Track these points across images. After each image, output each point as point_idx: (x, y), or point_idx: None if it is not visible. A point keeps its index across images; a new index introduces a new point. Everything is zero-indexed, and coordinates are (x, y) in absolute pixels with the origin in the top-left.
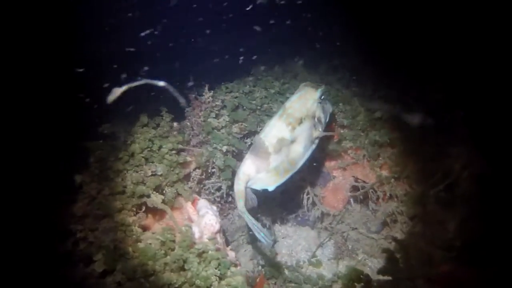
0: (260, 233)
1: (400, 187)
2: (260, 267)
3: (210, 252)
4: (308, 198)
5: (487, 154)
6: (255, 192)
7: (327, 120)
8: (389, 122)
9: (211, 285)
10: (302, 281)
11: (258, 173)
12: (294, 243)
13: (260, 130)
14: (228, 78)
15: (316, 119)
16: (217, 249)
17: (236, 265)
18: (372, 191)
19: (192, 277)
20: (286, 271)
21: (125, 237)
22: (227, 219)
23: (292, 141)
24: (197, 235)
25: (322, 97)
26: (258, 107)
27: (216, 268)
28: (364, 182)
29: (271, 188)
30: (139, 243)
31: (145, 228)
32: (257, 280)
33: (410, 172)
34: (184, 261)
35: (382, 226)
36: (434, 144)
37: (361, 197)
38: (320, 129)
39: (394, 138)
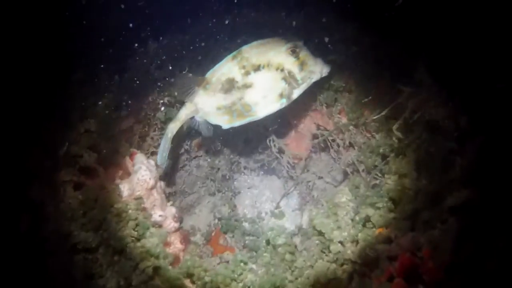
0: (163, 153)
1: (361, 135)
2: (216, 221)
3: (129, 211)
4: (273, 146)
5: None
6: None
7: (310, 81)
8: (345, 66)
9: (126, 246)
10: (261, 234)
11: (206, 106)
12: (259, 193)
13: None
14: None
15: (286, 72)
16: (142, 209)
17: (161, 225)
18: (331, 139)
19: (109, 238)
20: (246, 224)
21: (50, 199)
22: (183, 170)
23: (246, 86)
24: (126, 193)
25: (296, 52)
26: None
27: (133, 229)
28: (325, 129)
29: (224, 126)
30: (61, 203)
31: (78, 188)
32: (212, 234)
33: (366, 119)
34: (101, 221)
35: (344, 176)
36: (390, 90)
37: (322, 145)
38: (295, 89)
39: (350, 82)
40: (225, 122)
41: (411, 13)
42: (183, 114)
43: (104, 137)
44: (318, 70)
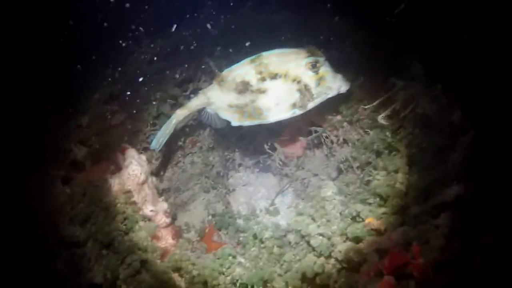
0: (160, 138)
1: (355, 131)
2: (210, 217)
3: (118, 205)
4: (267, 143)
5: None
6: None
7: (325, 96)
8: (337, 61)
9: (114, 240)
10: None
11: (219, 101)
12: (254, 190)
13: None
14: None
15: (303, 85)
16: (131, 202)
17: (150, 219)
18: (325, 136)
19: (97, 232)
20: (240, 221)
21: (38, 192)
22: (177, 167)
23: (260, 91)
24: (117, 187)
25: (316, 67)
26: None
27: (122, 223)
28: (320, 126)
29: (234, 123)
30: (49, 197)
31: (67, 182)
32: (206, 230)
33: (360, 116)
34: (89, 215)
35: (338, 173)
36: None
37: (315, 141)
38: (309, 102)
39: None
40: (235, 120)
41: (408, 10)
42: (194, 104)
43: (95, 132)
44: (335, 87)
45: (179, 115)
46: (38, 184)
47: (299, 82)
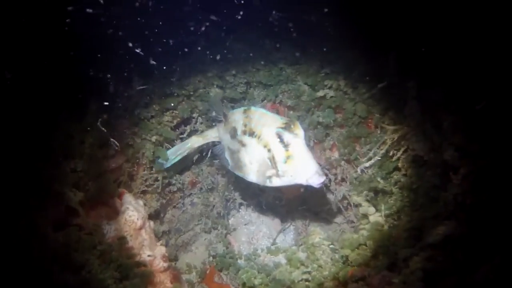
0: (171, 155)
1: (353, 169)
2: (211, 258)
3: (113, 253)
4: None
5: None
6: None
7: (292, 179)
8: (335, 101)
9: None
10: (257, 270)
11: (223, 140)
12: (256, 229)
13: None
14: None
15: (271, 155)
16: (125, 249)
17: (145, 265)
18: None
19: (90, 280)
20: (241, 261)
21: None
22: (177, 208)
23: (241, 143)
24: (113, 233)
25: (283, 142)
26: (191, 93)
27: (115, 271)
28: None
29: (229, 167)
30: (43, 244)
31: (61, 228)
32: (207, 272)
33: (358, 154)
34: (82, 263)
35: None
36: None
37: None
38: (276, 175)
39: (340, 118)
40: (229, 164)
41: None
42: (209, 134)
43: (91, 177)
44: (303, 175)
45: (194, 140)
46: (30, 230)
47: (269, 150)
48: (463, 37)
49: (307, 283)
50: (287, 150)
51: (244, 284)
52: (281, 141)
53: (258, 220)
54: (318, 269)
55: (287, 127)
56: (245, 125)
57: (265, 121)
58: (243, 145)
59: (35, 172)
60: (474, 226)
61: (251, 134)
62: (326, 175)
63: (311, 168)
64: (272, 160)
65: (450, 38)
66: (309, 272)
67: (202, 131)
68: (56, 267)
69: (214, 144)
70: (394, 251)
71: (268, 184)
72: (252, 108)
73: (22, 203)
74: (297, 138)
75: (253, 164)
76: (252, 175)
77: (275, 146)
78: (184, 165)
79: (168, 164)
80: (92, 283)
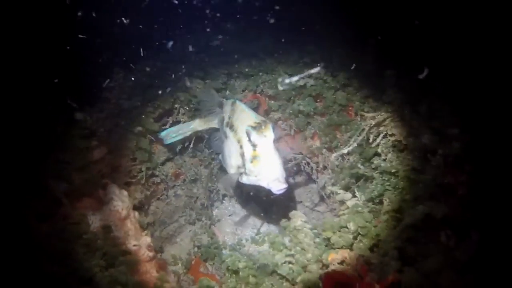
0: (173, 134)
1: (334, 157)
2: (196, 249)
3: (98, 241)
4: None
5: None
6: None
7: (256, 180)
8: (314, 89)
9: (94, 275)
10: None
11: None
12: (240, 220)
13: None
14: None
15: (242, 151)
16: (111, 237)
17: (131, 253)
18: (305, 163)
19: (77, 269)
20: (226, 251)
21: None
22: (161, 200)
23: (225, 134)
24: (98, 223)
25: (250, 141)
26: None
27: (101, 259)
28: (300, 153)
29: (219, 156)
30: (27, 235)
31: (45, 218)
32: (192, 262)
33: (339, 142)
34: (68, 252)
35: (320, 199)
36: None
37: (295, 168)
38: (244, 172)
39: (321, 107)
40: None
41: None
42: (211, 120)
43: (76, 168)
44: (264, 178)
45: (197, 123)
46: (15, 221)
47: (241, 146)
48: (439, 25)
49: (290, 265)
50: (254, 150)
51: (228, 268)
52: (249, 140)
53: (242, 211)
54: (301, 251)
55: (258, 127)
56: (229, 118)
57: (242, 117)
58: (226, 136)
59: (19, 164)
60: (453, 206)
61: (231, 127)
62: (308, 163)
63: (273, 174)
64: (242, 157)
65: (427, 27)
66: (292, 255)
67: (205, 116)
68: (42, 257)
69: (213, 130)
70: (375, 233)
71: (239, 179)
72: (237, 101)
73: (5, 195)
74: (265, 140)
75: (231, 158)
76: (230, 168)
77: (245, 144)
78: (180, 146)
79: (169, 141)
80: (78, 271)
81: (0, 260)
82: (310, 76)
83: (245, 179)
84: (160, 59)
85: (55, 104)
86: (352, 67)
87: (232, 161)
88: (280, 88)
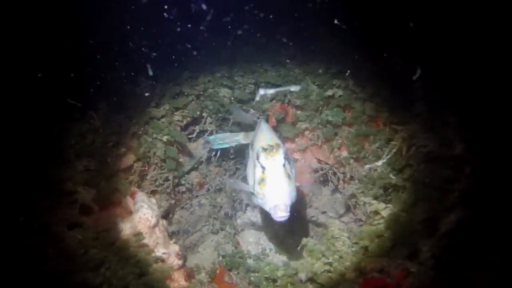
0: (219, 140)
1: (362, 168)
2: (220, 258)
3: (131, 249)
4: None
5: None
6: None
7: (262, 203)
8: (343, 100)
9: (128, 284)
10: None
11: None
12: (263, 230)
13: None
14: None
15: (255, 169)
16: (143, 245)
17: (163, 260)
18: (332, 173)
19: (111, 277)
20: (250, 261)
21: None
22: (185, 209)
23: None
24: (128, 231)
25: (259, 161)
26: (201, 93)
27: (135, 266)
28: (326, 163)
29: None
30: (60, 243)
31: (75, 226)
32: (217, 272)
33: (367, 152)
34: (102, 260)
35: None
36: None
37: (321, 179)
38: (253, 194)
39: (348, 117)
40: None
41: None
42: (251, 135)
43: (104, 176)
44: (267, 203)
45: (242, 136)
46: (46, 229)
47: (255, 166)
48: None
49: (329, 274)
50: (263, 172)
51: (267, 276)
52: (258, 161)
53: (265, 221)
54: (339, 260)
55: (269, 149)
56: (253, 136)
57: (259, 137)
58: (249, 154)
59: (47, 172)
60: (485, 214)
61: (252, 145)
62: (335, 173)
63: (276, 200)
64: (254, 177)
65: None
66: (330, 264)
67: (248, 131)
68: (74, 266)
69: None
70: (412, 241)
71: (251, 198)
72: (262, 121)
73: (34, 204)
74: (274, 163)
75: (249, 176)
76: (250, 183)
77: (256, 164)
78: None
79: (215, 146)
80: (113, 280)
81: (33, 269)
82: (289, 91)
83: (254, 200)
84: (187, 69)
85: (83, 112)
86: (379, 78)
87: (250, 179)
88: (257, 98)
